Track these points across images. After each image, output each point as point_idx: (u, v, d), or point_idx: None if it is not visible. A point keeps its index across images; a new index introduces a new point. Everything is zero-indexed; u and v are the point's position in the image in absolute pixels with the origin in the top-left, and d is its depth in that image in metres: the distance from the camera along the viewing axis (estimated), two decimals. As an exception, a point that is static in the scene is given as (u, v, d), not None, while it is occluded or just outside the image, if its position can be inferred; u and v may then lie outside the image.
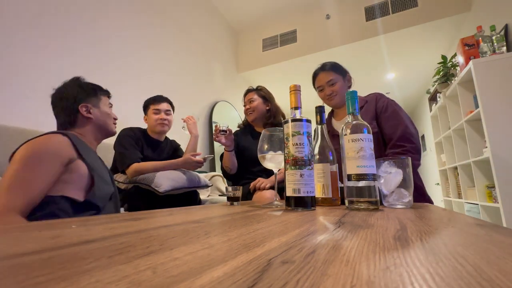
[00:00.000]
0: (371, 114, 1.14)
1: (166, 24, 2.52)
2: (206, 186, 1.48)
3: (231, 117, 3.36)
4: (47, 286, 0.12)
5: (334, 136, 1.21)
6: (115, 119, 1.01)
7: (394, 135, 1.06)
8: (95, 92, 0.93)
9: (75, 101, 0.88)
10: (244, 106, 1.59)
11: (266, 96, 1.55)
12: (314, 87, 1.30)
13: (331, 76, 1.21)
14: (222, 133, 1.32)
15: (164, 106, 1.52)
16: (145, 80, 2.16)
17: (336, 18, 3.32)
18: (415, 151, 1.03)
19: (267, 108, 1.54)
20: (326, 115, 1.32)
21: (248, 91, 1.60)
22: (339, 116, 1.28)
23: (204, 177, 1.50)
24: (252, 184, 1.35)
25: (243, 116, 1.72)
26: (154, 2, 2.39)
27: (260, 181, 1.34)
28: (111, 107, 1.00)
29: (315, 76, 1.28)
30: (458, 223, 0.35)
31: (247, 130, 1.59)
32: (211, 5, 3.33)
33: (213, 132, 1.36)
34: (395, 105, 1.14)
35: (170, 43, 2.53)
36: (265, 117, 1.53)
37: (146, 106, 1.54)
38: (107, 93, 1.00)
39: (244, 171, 1.49)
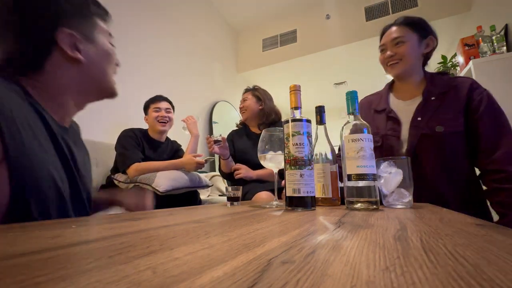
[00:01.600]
0: (460, 106, 0.82)
1: (166, 24, 2.52)
2: (207, 186, 1.49)
3: (231, 117, 3.36)
4: (47, 286, 0.12)
5: (390, 119, 0.91)
6: (118, 65, 0.60)
7: (494, 150, 0.78)
8: (87, 8, 0.52)
9: (51, 18, 0.46)
10: (240, 105, 1.61)
11: (260, 96, 1.56)
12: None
13: (400, 33, 0.88)
14: (217, 144, 1.32)
15: (164, 104, 1.54)
16: (145, 80, 2.16)
17: (336, 18, 3.32)
18: None
19: (260, 108, 1.54)
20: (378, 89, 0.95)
21: (245, 90, 1.62)
22: (402, 94, 0.94)
23: (204, 177, 1.50)
24: (236, 170, 1.39)
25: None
26: (153, 2, 2.39)
27: (242, 170, 1.38)
28: (111, 43, 0.59)
29: (383, 32, 0.96)
30: (458, 223, 0.35)
31: (243, 131, 1.60)
32: (211, 5, 3.33)
33: (207, 143, 1.35)
34: (496, 104, 0.82)
35: (170, 43, 2.53)
36: (258, 116, 1.54)
37: (147, 107, 1.55)
38: (105, 15, 0.58)
39: None
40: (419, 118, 0.85)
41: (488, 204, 0.83)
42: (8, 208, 0.38)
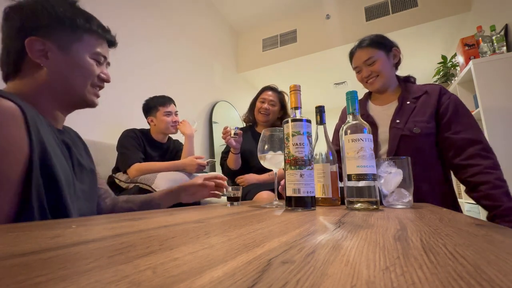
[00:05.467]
0: (431, 110, 0.91)
1: (166, 24, 2.52)
2: (207, 187, 1.48)
3: (231, 117, 3.36)
4: (47, 286, 0.12)
5: (368, 123, 0.98)
6: (104, 80, 0.60)
7: (465, 148, 0.85)
8: (71, 22, 0.53)
9: (21, 29, 0.49)
10: (262, 102, 1.52)
11: (285, 104, 1.55)
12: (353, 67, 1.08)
13: (369, 54, 0.98)
14: (234, 136, 1.34)
15: (173, 108, 1.53)
16: (145, 80, 2.16)
17: (336, 18, 3.32)
18: (497, 167, 0.81)
19: (279, 116, 1.54)
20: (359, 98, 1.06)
21: (270, 88, 1.54)
22: (379, 101, 1.04)
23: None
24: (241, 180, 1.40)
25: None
26: (153, 2, 2.39)
27: (245, 177, 1.39)
28: (102, 60, 0.59)
29: (351, 55, 1.05)
30: (458, 223, 0.35)
31: (248, 131, 1.59)
32: (211, 5, 3.33)
33: (222, 134, 1.36)
34: (463, 106, 0.91)
35: (169, 43, 2.53)
36: (274, 122, 1.54)
37: (153, 108, 1.50)
38: (95, 27, 0.56)
39: (245, 170, 1.50)
40: (397, 121, 0.93)
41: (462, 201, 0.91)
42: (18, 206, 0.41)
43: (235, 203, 0.76)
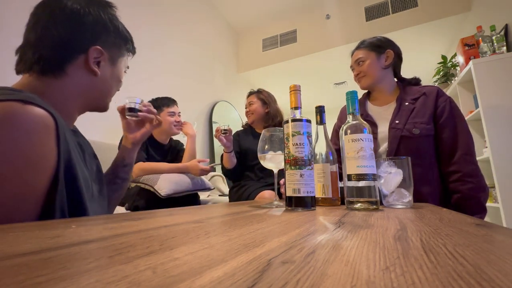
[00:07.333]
0: (430, 112, 0.94)
1: (166, 24, 2.52)
2: (209, 189, 1.50)
3: (231, 117, 3.36)
4: (47, 286, 0.12)
5: (367, 122, 0.96)
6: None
7: (453, 154, 0.90)
8: (126, 41, 0.61)
9: (91, 36, 0.53)
10: (245, 108, 1.64)
11: (265, 99, 1.60)
12: None
13: (360, 55, 1.06)
14: (224, 132, 1.35)
15: (177, 108, 1.55)
16: (145, 80, 2.16)
17: (336, 18, 3.32)
18: (480, 190, 0.85)
19: (266, 111, 1.58)
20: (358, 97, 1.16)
21: (250, 93, 1.65)
22: (377, 101, 1.08)
23: (207, 180, 1.51)
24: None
25: (243, 116, 1.75)
26: (154, 2, 2.39)
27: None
28: (125, 72, 0.66)
29: (351, 55, 1.13)
30: (458, 223, 0.35)
31: (249, 131, 1.63)
32: (212, 5, 3.33)
33: (214, 133, 1.39)
34: (456, 109, 0.94)
35: (170, 43, 2.53)
36: (264, 119, 1.58)
37: (158, 108, 1.50)
38: (133, 52, 0.65)
39: (245, 169, 1.51)
40: (397, 121, 0.96)
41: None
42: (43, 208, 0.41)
43: (129, 115, 0.75)
